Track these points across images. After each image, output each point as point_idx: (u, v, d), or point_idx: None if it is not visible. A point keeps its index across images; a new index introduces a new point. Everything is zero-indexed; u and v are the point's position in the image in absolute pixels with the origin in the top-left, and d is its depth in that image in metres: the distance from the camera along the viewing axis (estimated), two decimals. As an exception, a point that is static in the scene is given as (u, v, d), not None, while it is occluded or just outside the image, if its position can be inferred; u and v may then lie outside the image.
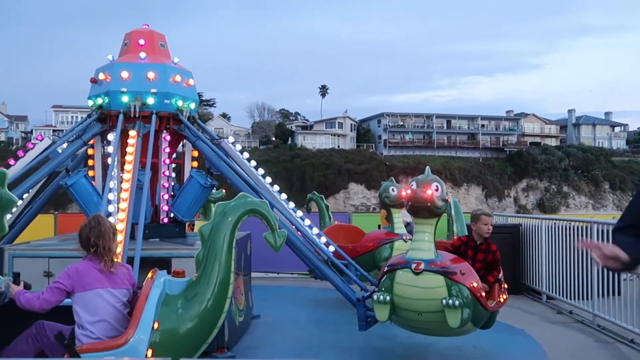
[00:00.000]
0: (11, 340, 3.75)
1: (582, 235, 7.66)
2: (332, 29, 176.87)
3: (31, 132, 66.81)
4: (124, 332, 3.58)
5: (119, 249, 5.23)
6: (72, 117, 64.94)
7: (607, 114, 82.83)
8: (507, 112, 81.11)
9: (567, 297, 8.02)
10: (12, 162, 6.68)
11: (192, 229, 9.34)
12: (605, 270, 7.08)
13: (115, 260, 3.81)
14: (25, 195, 7.00)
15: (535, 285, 9.13)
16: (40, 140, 7.04)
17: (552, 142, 76.13)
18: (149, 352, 3.41)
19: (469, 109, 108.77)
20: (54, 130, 55.97)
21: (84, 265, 3.67)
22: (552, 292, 8.53)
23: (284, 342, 6.51)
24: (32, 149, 6.89)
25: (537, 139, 75.95)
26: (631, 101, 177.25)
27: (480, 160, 70.36)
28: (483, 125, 76.55)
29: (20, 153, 6.83)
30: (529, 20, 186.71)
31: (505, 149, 73.03)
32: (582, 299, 7.59)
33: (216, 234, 3.77)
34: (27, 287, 3.82)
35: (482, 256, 5.73)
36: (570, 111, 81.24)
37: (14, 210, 6.96)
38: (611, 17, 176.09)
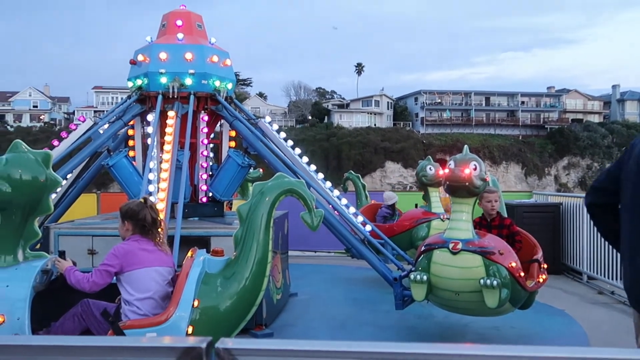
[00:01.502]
0: (58, 316, 3.88)
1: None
2: (367, 7, 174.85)
3: (73, 113, 68.30)
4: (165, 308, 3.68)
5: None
6: (113, 98, 66.09)
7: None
8: (548, 88, 79.19)
9: (608, 278, 7.88)
10: (55, 143, 6.86)
11: (230, 208, 9.47)
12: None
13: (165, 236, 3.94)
14: (69, 176, 7.18)
15: (576, 265, 8.98)
16: (83, 122, 7.20)
17: (595, 119, 74.09)
18: (190, 329, 3.49)
19: (507, 86, 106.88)
20: (95, 111, 57.04)
21: (131, 244, 3.76)
22: (594, 272, 8.39)
23: (321, 320, 6.58)
24: (74, 130, 7.06)
25: (580, 116, 74.02)
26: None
27: (520, 137, 69.05)
28: (523, 102, 74.94)
29: (63, 134, 7.00)
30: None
31: (546, 126, 71.45)
32: (625, 279, 7.43)
33: (254, 213, 3.81)
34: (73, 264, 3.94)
35: (496, 232, 5.65)
36: (614, 86, 78.82)
37: (58, 190, 7.16)
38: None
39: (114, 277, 3.71)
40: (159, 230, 3.87)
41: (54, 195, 7.24)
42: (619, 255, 7.74)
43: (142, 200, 3.92)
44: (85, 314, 3.79)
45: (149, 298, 3.68)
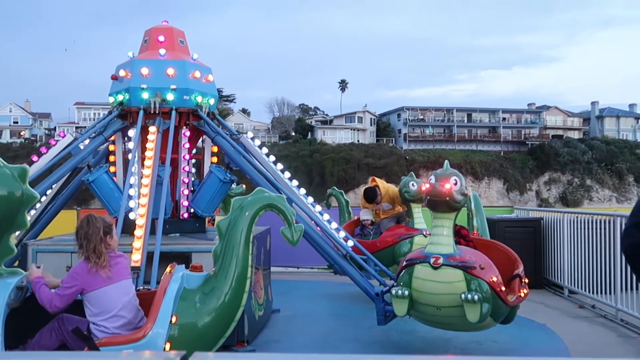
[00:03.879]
0: (34, 333, 3.81)
1: (604, 229, 7.57)
2: (350, 25, 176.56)
3: (54, 129, 67.64)
4: (136, 323, 3.64)
5: (139, 244, 5.29)
6: (95, 113, 65.68)
7: (631, 105, 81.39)
8: (529, 104, 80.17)
9: (589, 292, 7.93)
10: (35, 158, 6.78)
11: (212, 224, 9.41)
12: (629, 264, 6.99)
13: (105, 258, 3.75)
14: (48, 192, 7.10)
15: (557, 279, 9.04)
16: (62, 137, 7.14)
17: (575, 135, 75.07)
18: (167, 346, 3.45)
19: (488, 103, 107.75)
20: (76, 127, 56.59)
21: (83, 266, 3.71)
22: (574, 286, 8.44)
23: (304, 336, 6.54)
24: (54, 145, 6.99)
25: (560, 132, 74.96)
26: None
27: (502, 153, 69.63)
28: (504, 119, 75.74)
29: (43, 149, 6.93)
30: (546, 12, 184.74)
31: (527, 142, 72.19)
32: (605, 293, 7.50)
33: (233, 228, 3.79)
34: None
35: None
36: (593, 103, 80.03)
37: (37, 206, 7.07)
38: (633, 8, 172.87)
39: (79, 295, 3.67)
40: (95, 251, 3.72)
41: (33, 212, 7.15)
42: (598, 269, 7.79)
43: (81, 221, 3.85)
44: (61, 329, 3.73)
45: (114, 316, 3.63)
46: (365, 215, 8.65)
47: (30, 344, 3.77)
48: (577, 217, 8.65)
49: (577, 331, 6.75)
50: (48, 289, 3.66)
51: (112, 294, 3.66)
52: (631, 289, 6.94)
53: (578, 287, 8.31)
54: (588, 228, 8.10)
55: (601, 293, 7.60)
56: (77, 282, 3.62)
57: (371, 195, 8.55)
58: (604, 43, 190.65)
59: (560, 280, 8.89)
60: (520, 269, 5.75)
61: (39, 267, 3.85)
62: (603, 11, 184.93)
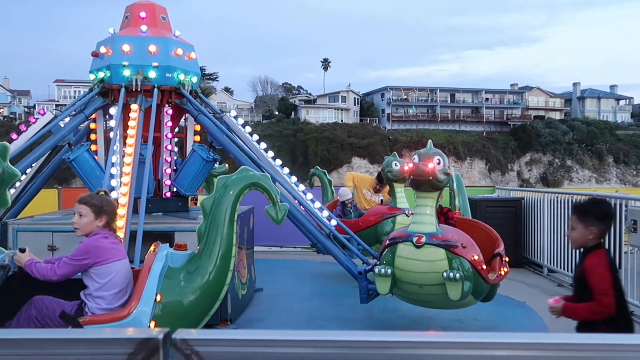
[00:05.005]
0: (14, 313, 3.75)
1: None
2: (333, 4, 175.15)
3: (34, 106, 66.61)
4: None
5: (122, 223, 5.26)
6: (75, 91, 64.74)
7: (612, 87, 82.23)
8: (512, 85, 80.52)
9: (568, 270, 8.06)
10: (14, 136, 6.67)
11: (195, 203, 9.38)
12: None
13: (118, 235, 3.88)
14: (28, 170, 7.00)
15: (537, 258, 9.17)
16: (42, 115, 7.03)
17: (557, 116, 75.70)
18: (152, 324, 3.46)
19: (471, 83, 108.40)
20: (56, 105, 55.80)
21: (100, 238, 3.67)
22: (554, 265, 8.58)
23: (287, 315, 6.58)
24: (34, 123, 6.88)
25: (542, 113, 75.53)
26: (636, 74, 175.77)
27: (484, 134, 70.06)
28: (487, 99, 76.07)
29: (22, 127, 6.81)
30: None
31: (509, 123, 72.67)
32: (583, 272, 7.62)
33: (218, 207, 3.78)
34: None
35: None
36: (575, 84, 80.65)
37: (17, 184, 6.98)
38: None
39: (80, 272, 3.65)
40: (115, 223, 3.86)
41: (12, 191, 7.06)
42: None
43: (103, 192, 3.85)
44: (41, 316, 3.65)
45: (121, 291, 3.64)
46: (347, 194, 8.71)
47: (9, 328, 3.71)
48: (557, 197, 8.75)
49: (556, 309, 6.86)
50: (43, 264, 3.62)
51: (122, 269, 3.66)
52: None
53: (557, 266, 8.45)
54: (568, 208, 8.20)
55: (580, 272, 7.72)
56: (90, 254, 3.57)
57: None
58: (585, 24, 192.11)
59: (540, 259, 9.02)
60: (501, 248, 5.83)
61: (23, 251, 3.76)
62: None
